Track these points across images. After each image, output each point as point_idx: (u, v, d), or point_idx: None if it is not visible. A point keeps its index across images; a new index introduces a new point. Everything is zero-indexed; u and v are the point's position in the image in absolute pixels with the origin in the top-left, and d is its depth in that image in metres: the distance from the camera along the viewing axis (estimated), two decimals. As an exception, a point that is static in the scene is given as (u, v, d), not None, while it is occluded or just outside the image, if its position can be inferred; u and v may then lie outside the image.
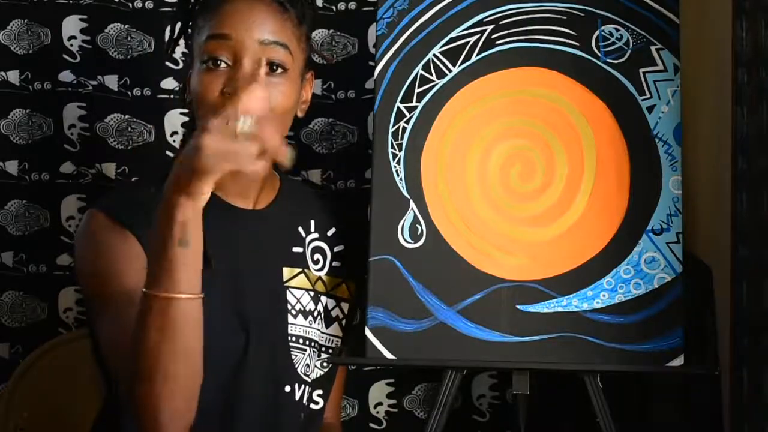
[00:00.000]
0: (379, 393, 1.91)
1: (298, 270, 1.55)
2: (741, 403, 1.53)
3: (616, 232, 1.56)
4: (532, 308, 1.54)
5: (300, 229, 1.57)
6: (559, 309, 1.54)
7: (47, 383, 1.79)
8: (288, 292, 1.53)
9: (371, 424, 1.91)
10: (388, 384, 1.91)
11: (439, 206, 1.58)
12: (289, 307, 1.52)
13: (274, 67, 1.43)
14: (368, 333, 1.53)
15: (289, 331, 1.51)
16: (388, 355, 1.53)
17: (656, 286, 1.54)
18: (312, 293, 1.55)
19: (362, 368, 1.87)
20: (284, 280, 1.53)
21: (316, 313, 1.55)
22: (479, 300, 1.54)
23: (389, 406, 1.91)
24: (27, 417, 1.78)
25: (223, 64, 1.42)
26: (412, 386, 1.91)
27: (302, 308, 1.53)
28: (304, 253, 1.56)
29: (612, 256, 1.55)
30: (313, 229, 1.59)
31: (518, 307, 1.54)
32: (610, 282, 1.55)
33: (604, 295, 1.54)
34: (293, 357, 1.51)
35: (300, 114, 1.53)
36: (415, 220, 1.57)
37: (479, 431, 1.92)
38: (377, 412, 1.91)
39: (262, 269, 1.51)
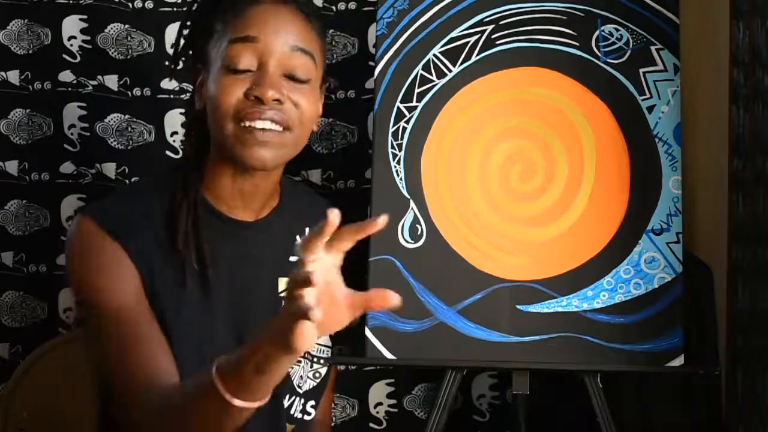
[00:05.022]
0: (379, 393, 1.91)
1: None
2: (736, 403, 1.53)
3: (616, 232, 1.56)
4: (532, 308, 1.54)
5: (298, 237, 1.55)
6: (559, 309, 1.54)
7: (47, 383, 1.79)
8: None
9: (371, 424, 1.91)
10: (388, 384, 1.91)
11: (439, 206, 1.58)
12: None
13: (299, 78, 1.41)
14: (368, 333, 1.53)
15: None
16: (388, 355, 1.53)
17: (656, 286, 1.55)
18: None
19: (362, 368, 1.86)
20: (280, 291, 1.51)
21: None
22: (479, 300, 1.55)
23: (389, 406, 1.91)
24: (27, 417, 1.77)
25: (246, 68, 1.39)
26: (412, 386, 1.91)
27: None
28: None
29: (612, 256, 1.56)
30: None
31: (518, 307, 1.54)
32: (610, 282, 1.55)
33: (604, 295, 1.54)
34: (289, 369, 1.50)
35: (315, 127, 1.49)
36: (415, 220, 1.57)
37: (479, 431, 1.92)
38: (377, 412, 1.91)
39: (259, 281, 1.49)
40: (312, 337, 1.04)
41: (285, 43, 1.41)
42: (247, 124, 1.38)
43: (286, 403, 1.50)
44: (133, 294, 1.39)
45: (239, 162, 1.41)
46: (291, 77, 1.41)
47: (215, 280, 1.44)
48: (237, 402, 1.13)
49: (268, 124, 1.38)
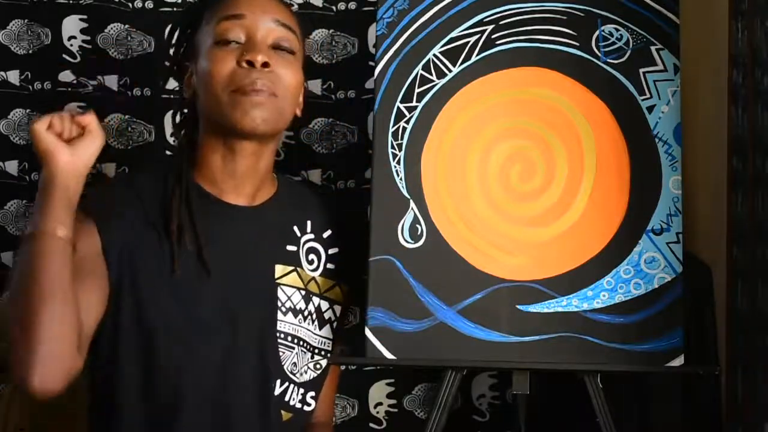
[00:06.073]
0: (379, 393, 1.91)
1: (290, 268, 1.56)
2: (736, 403, 1.53)
3: (616, 232, 1.56)
4: (532, 308, 1.54)
5: (295, 228, 1.59)
6: (559, 309, 1.54)
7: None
8: (279, 289, 1.54)
9: (371, 424, 1.91)
10: (388, 384, 1.91)
11: (439, 206, 1.58)
12: (279, 304, 1.54)
13: (284, 47, 1.53)
14: (368, 333, 1.53)
15: (278, 328, 1.53)
16: (388, 355, 1.53)
17: (656, 286, 1.55)
18: (303, 292, 1.57)
19: (362, 368, 1.86)
20: (276, 277, 1.55)
21: (306, 313, 1.56)
22: (479, 300, 1.55)
23: (389, 406, 1.91)
24: (27, 417, 1.77)
25: (234, 43, 1.50)
26: (412, 386, 1.91)
27: (292, 306, 1.55)
28: (297, 251, 1.58)
29: (612, 256, 1.56)
30: (309, 229, 1.60)
31: (518, 307, 1.54)
32: (610, 282, 1.55)
33: (604, 295, 1.54)
34: (281, 354, 1.52)
35: (298, 112, 1.58)
36: (415, 220, 1.57)
37: (479, 431, 1.92)
38: (377, 412, 1.91)
39: (253, 266, 1.54)
40: (41, 135, 1.40)
41: (270, 19, 1.52)
42: (240, 86, 1.47)
43: (279, 389, 1.51)
44: (86, 250, 1.44)
45: (233, 128, 1.48)
46: (277, 47, 1.52)
47: (208, 262, 1.48)
48: (31, 229, 1.36)
49: (258, 85, 1.47)
